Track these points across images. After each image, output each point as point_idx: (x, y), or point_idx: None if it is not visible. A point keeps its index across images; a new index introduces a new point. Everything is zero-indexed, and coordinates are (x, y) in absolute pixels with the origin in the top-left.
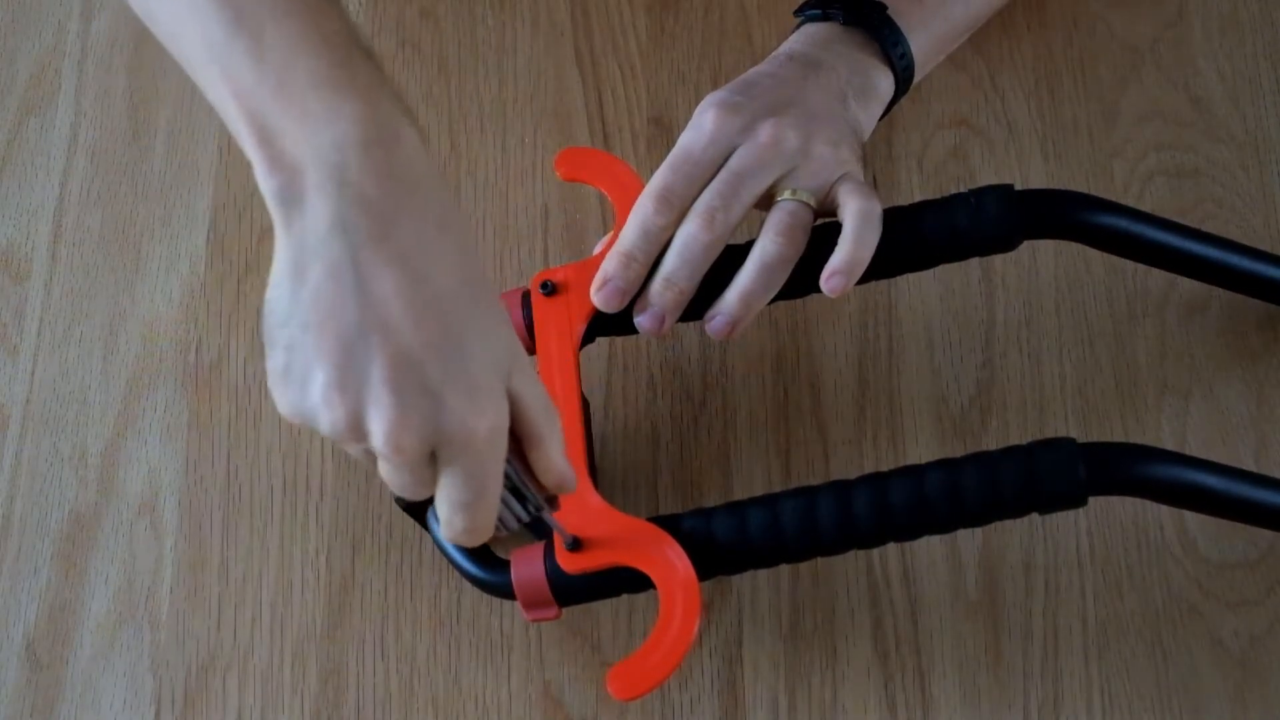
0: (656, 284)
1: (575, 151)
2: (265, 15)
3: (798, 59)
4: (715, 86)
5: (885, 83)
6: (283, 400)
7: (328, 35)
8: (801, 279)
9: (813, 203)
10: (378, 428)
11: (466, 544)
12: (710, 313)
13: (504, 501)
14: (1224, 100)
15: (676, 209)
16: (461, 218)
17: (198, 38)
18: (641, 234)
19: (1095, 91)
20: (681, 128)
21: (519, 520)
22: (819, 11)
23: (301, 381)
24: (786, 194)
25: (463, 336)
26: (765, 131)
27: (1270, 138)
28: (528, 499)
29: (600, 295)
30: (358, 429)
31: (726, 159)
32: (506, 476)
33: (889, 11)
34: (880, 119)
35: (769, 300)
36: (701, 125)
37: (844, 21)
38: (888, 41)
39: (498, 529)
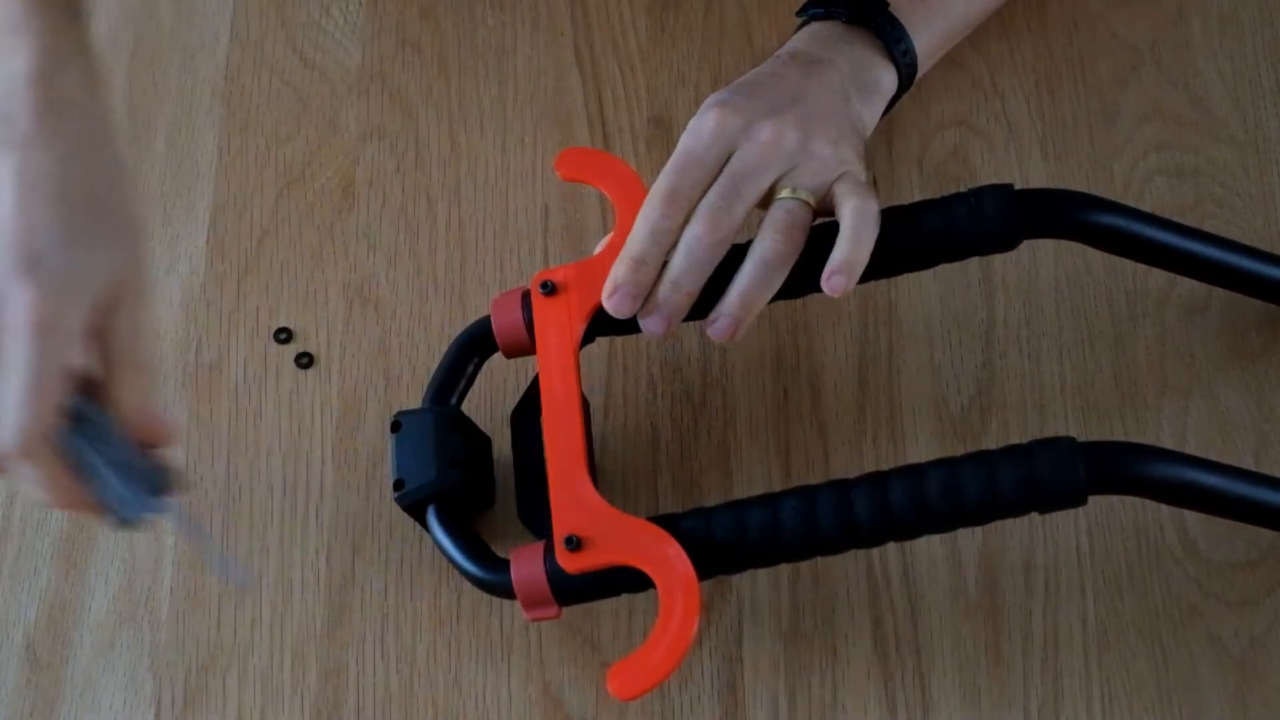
0: (664, 287)
1: (575, 152)
2: None
3: (799, 58)
4: (715, 86)
5: (888, 79)
6: None
7: None
8: (802, 279)
9: (811, 201)
10: None
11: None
12: (711, 315)
13: (104, 474)
14: (1224, 100)
15: (684, 210)
16: (103, 144)
17: None
18: (650, 237)
19: (1095, 91)
20: (682, 128)
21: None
22: (821, 10)
23: None
24: (785, 193)
25: (45, 247)
26: (765, 131)
27: (1270, 138)
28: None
29: (612, 301)
30: None
31: (728, 159)
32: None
33: (891, 8)
34: (883, 116)
35: (769, 300)
36: (703, 126)
37: (846, 20)
38: (890, 38)
39: (106, 506)
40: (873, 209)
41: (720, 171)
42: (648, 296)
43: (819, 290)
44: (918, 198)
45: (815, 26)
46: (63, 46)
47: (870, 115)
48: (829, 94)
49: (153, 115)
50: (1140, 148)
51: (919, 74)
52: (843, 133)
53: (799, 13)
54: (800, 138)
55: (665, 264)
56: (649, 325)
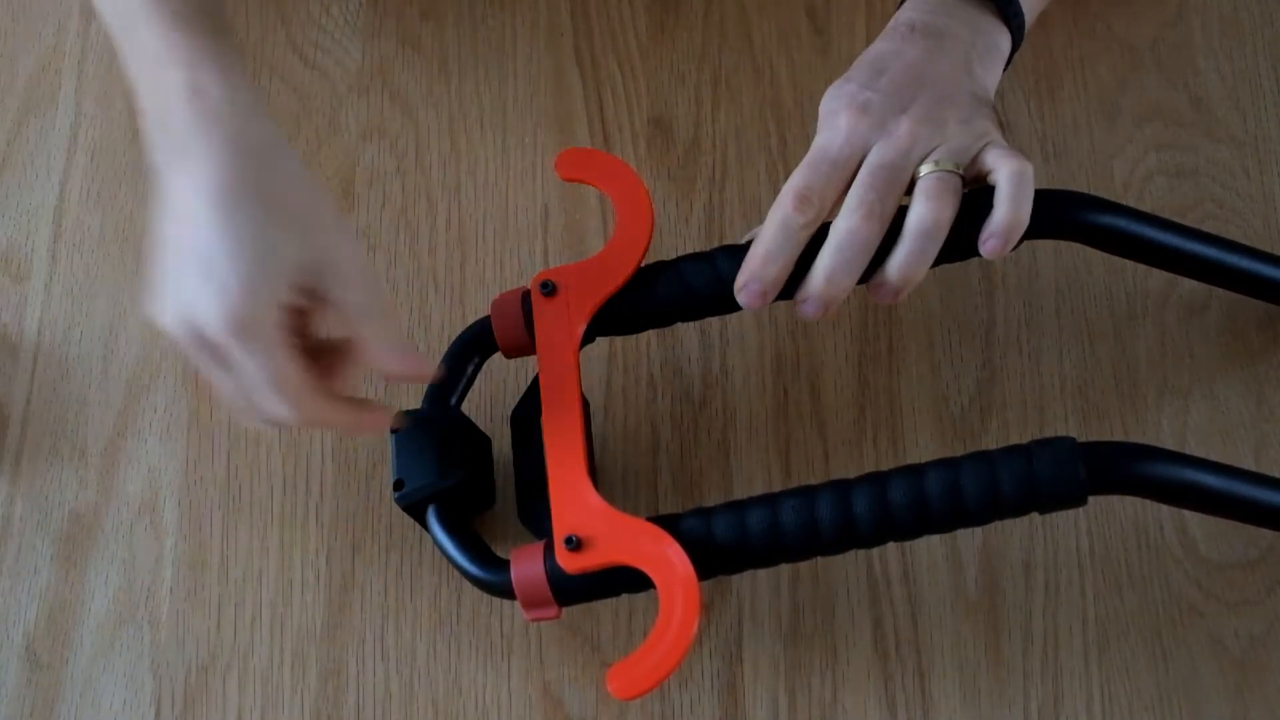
0: (818, 281)
1: (575, 152)
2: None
3: (919, 30)
4: (715, 87)
5: (1004, 40)
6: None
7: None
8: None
9: (960, 171)
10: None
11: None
12: (872, 284)
13: None
14: (1224, 100)
15: (816, 207)
16: (262, 145)
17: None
18: (783, 233)
19: (1095, 91)
20: (682, 128)
21: None
22: None
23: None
24: (929, 166)
25: (217, 253)
26: (899, 129)
27: (1270, 138)
28: None
29: (744, 295)
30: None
31: (863, 158)
32: None
33: None
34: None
35: (926, 271)
36: (836, 126)
37: None
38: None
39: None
40: (1029, 172)
41: (856, 170)
42: (800, 286)
43: (963, 257)
44: None
45: None
46: (209, 65)
47: (993, 80)
48: (953, 68)
49: None
50: (1140, 148)
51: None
52: (974, 108)
53: None
54: (934, 128)
55: (808, 257)
56: (806, 312)
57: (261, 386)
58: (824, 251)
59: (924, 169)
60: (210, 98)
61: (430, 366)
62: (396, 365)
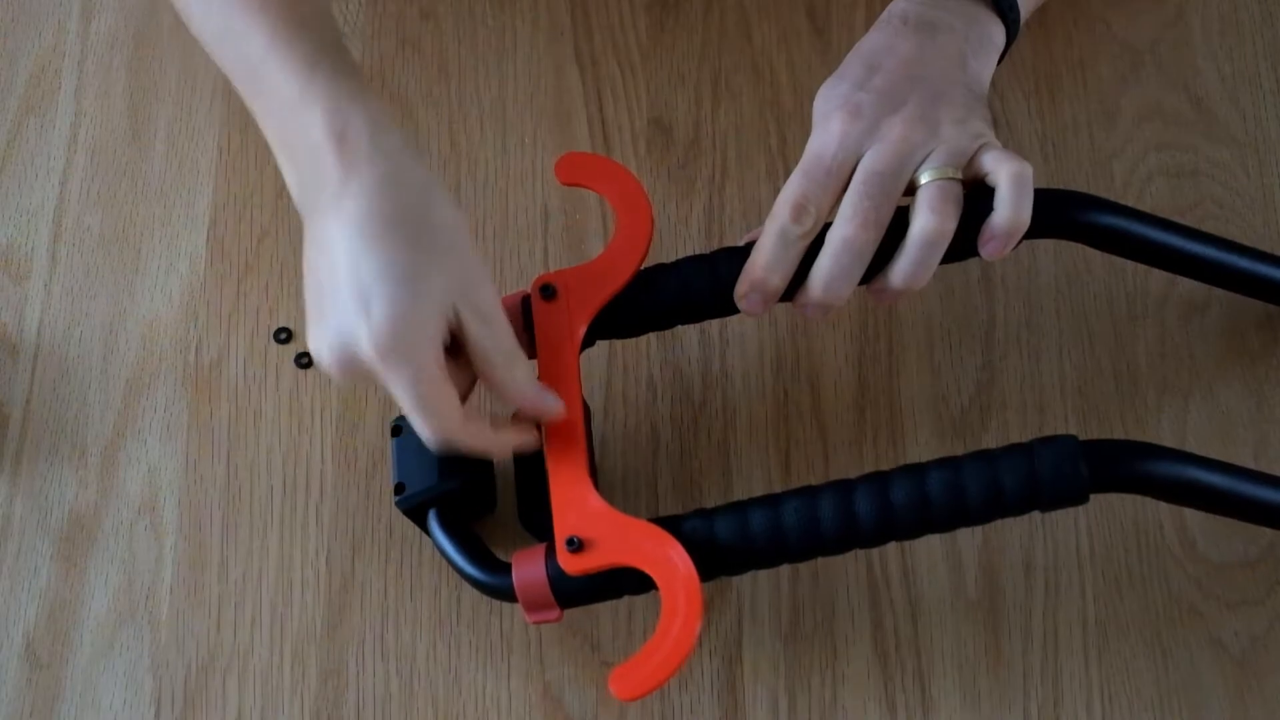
0: (816, 289)
1: (575, 156)
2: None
3: (912, 22)
4: (715, 87)
5: (998, 33)
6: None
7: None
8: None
9: (959, 176)
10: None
11: (440, 447)
12: (875, 289)
13: None
14: (1224, 100)
15: (813, 216)
16: (406, 179)
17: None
18: (781, 243)
19: (1095, 91)
20: (682, 128)
21: None
22: None
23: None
24: (930, 174)
25: (371, 286)
26: (893, 132)
27: (1270, 138)
28: None
29: (745, 304)
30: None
31: (857, 162)
32: None
33: None
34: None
35: (930, 277)
36: (830, 131)
37: None
38: None
39: None
40: (1028, 173)
41: (850, 176)
42: (799, 291)
43: (963, 258)
44: None
45: None
46: (353, 106)
47: (987, 73)
48: (947, 62)
49: (153, 115)
50: (1140, 148)
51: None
52: (968, 105)
53: None
54: (928, 129)
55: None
56: (806, 314)
57: (411, 409)
58: (820, 259)
59: (924, 177)
60: (357, 138)
61: (559, 407)
62: (524, 407)
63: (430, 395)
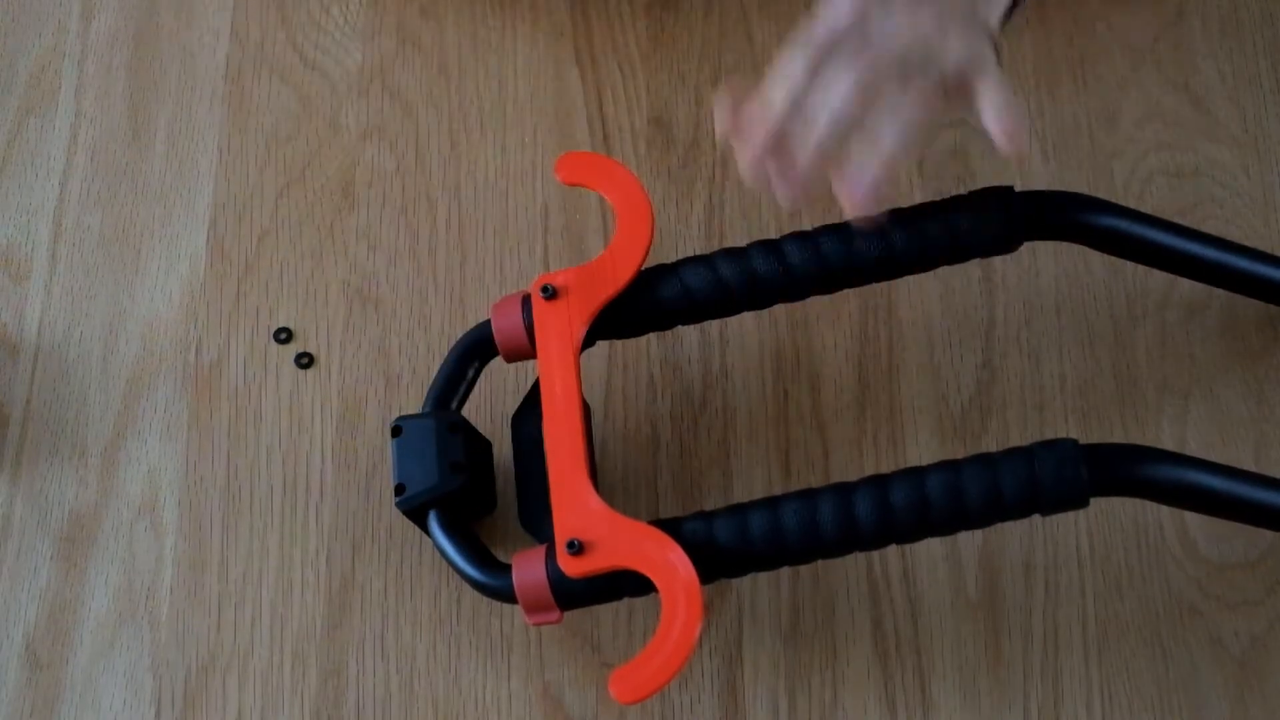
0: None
1: (575, 156)
2: None
3: None
4: (715, 87)
5: None
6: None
7: None
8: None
9: (950, 82)
10: None
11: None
12: (847, 182)
13: None
14: (1224, 100)
15: (826, 81)
16: None
17: None
18: (794, 106)
19: (1095, 91)
20: (682, 128)
21: None
22: None
23: None
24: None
25: None
26: (902, 13)
27: (1270, 138)
28: None
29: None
30: None
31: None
32: None
33: None
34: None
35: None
36: (839, 5)
37: None
38: None
39: None
40: (1020, 107)
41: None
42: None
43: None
44: (918, 198)
45: None
46: None
47: (995, 21)
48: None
49: (153, 115)
50: (1140, 148)
51: None
52: (976, 29)
53: None
54: (936, 26)
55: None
56: (855, 192)
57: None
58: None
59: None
60: None
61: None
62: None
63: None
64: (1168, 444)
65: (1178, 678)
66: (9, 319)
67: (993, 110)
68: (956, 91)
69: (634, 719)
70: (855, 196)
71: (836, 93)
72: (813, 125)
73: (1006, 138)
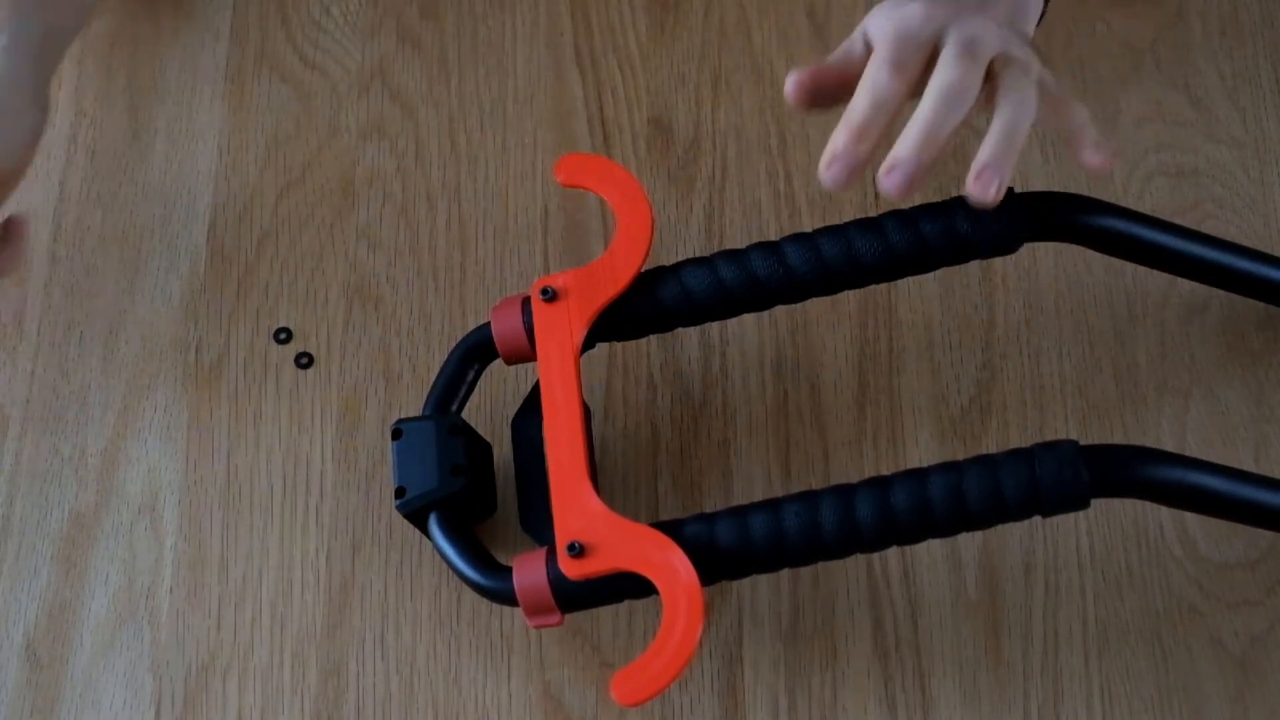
0: (914, 140)
1: (575, 158)
2: None
3: None
4: (715, 87)
5: (1037, 1)
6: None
7: None
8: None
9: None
10: None
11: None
12: (886, 165)
13: None
14: (1224, 100)
15: (906, 80)
16: None
17: None
18: (875, 104)
19: (1095, 91)
20: (682, 128)
21: None
22: None
23: None
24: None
25: None
26: (974, 16)
27: (1270, 138)
28: None
29: (830, 173)
30: None
31: (940, 40)
32: None
33: None
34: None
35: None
36: (909, 14)
37: None
38: None
39: None
40: (1022, 126)
41: (932, 52)
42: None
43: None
44: (918, 200)
45: None
46: None
47: (1031, 31)
48: (996, 11)
49: (153, 115)
50: (1140, 148)
51: None
52: (1020, 41)
53: None
54: (1000, 32)
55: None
56: (895, 182)
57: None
58: (922, 107)
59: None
60: None
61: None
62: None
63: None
64: (1168, 444)
65: (1178, 678)
66: (9, 319)
67: (1075, 124)
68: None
69: (634, 719)
70: (893, 190)
71: (940, 74)
72: (923, 111)
73: (977, 171)
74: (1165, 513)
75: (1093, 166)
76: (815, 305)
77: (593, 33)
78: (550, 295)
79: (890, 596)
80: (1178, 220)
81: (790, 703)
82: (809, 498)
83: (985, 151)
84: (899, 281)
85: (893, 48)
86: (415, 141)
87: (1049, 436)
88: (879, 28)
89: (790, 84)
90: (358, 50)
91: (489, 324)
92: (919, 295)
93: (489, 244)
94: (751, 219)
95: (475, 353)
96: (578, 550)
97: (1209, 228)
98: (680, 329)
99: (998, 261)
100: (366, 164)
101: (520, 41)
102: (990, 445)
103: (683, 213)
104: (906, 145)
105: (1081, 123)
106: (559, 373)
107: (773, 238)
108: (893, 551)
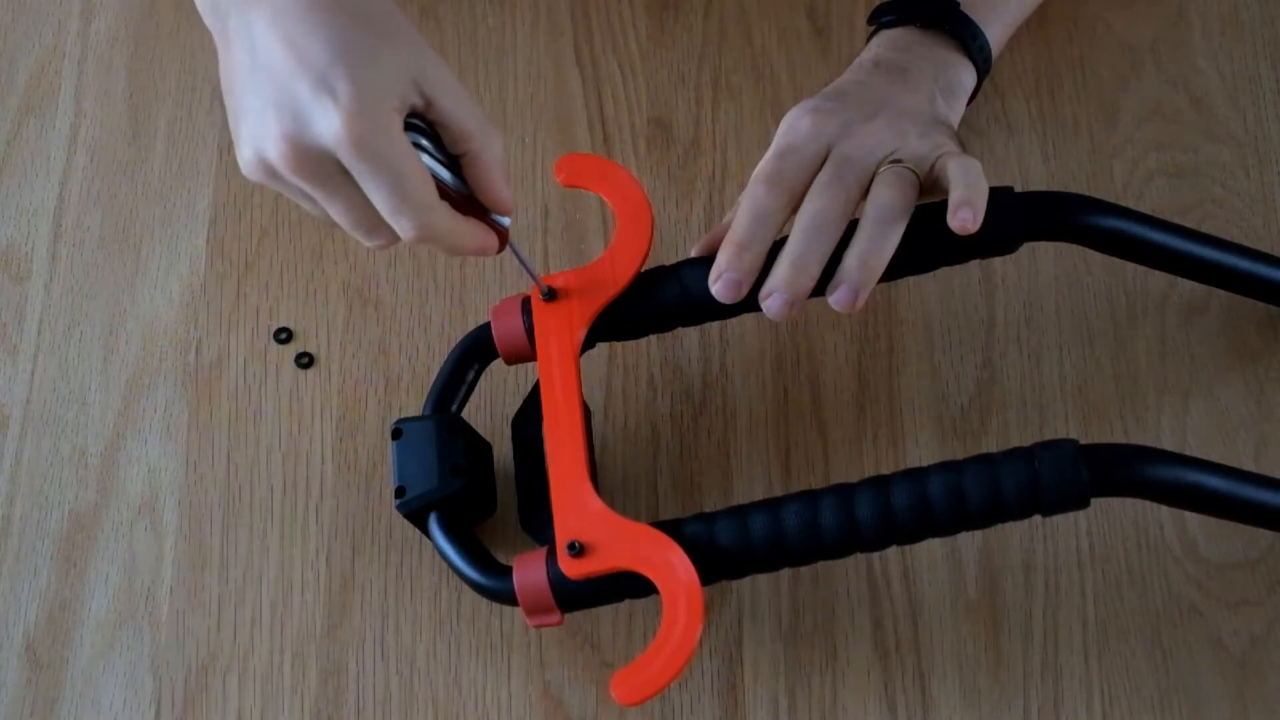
0: (784, 270)
1: (575, 158)
2: None
3: (883, 65)
4: (716, 87)
5: (968, 77)
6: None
7: None
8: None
9: (918, 172)
10: (261, 150)
11: (422, 239)
12: (832, 284)
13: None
14: (1224, 100)
15: (787, 195)
16: None
17: None
18: (754, 220)
19: (1095, 91)
20: (682, 128)
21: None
22: (894, 17)
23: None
24: (889, 164)
25: (326, 62)
26: (861, 130)
27: (1270, 138)
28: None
29: (717, 287)
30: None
31: (827, 155)
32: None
33: (961, 7)
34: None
35: (886, 265)
36: (798, 126)
37: (921, 24)
38: (966, 36)
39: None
40: (973, 162)
41: (822, 164)
42: (767, 279)
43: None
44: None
45: (892, 33)
46: None
47: (955, 115)
48: (916, 98)
49: (153, 115)
50: (1140, 148)
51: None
52: (934, 126)
53: (870, 20)
54: (895, 135)
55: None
56: (771, 307)
57: (391, 198)
58: (790, 239)
59: (882, 168)
60: None
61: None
62: (496, 187)
63: (413, 176)
64: (1167, 444)
65: (1178, 678)
66: (9, 319)
67: (954, 182)
68: (926, 179)
69: (634, 718)
70: (840, 305)
71: (809, 202)
72: (792, 240)
73: (955, 207)
74: (1165, 512)
75: (956, 222)
76: (815, 305)
77: (593, 33)
78: (550, 295)
79: (890, 596)
80: (1178, 220)
81: (790, 703)
82: (809, 497)
83: (847, 258)
84: (899, 281)
85: (773, 164)
86: None
87: (1049, 436)
88: (776, 136)
89: (698, 250)
90: None
91: (489, 324)
92: (919, 295)
93: None
94: None
95: (475, 353)
96: (578, 550)
97: (1209, 228)
98: (680, 329)
99: (997, 261)
100: None
101: (520, 41)
102: (990, 445)
103: (683, 212)
104: (776, 278)
105: (956, 195)
106: (559, 373)
107: None
108: (893, 551)
